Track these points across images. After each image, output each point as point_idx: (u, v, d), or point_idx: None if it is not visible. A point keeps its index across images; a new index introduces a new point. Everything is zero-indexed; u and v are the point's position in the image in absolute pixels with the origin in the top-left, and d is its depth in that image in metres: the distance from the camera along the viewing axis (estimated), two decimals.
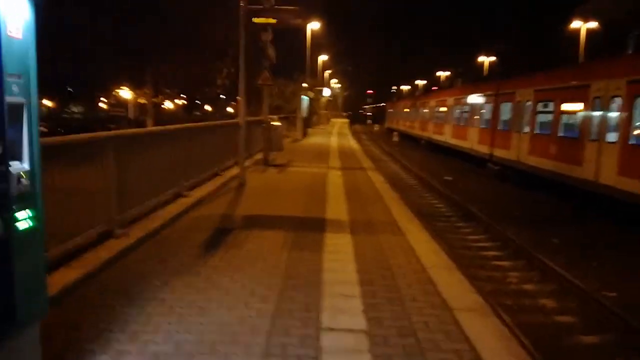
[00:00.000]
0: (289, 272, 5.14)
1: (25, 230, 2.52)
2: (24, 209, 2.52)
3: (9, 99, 2.39)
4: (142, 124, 28.06)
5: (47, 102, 49.15)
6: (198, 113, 51.67)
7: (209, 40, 23.05)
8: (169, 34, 22.58)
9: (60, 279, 4.48)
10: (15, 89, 2.44)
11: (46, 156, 4.73)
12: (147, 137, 7.48)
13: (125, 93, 33.39)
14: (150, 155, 7.29)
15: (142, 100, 31.56)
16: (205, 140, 10.42)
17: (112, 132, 6.09)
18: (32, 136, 2.58)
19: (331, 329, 3.84)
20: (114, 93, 37.14)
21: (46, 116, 41.79)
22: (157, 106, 31.74)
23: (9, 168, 2.42)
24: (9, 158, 2.43)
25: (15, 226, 2.46)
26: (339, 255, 5.75)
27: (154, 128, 9.37)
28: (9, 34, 2.39)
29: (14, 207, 2.45)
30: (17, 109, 2.48)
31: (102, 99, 48.27)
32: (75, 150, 5.42)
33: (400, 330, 3.89)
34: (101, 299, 4.34)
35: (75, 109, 54.64)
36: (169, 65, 24.63)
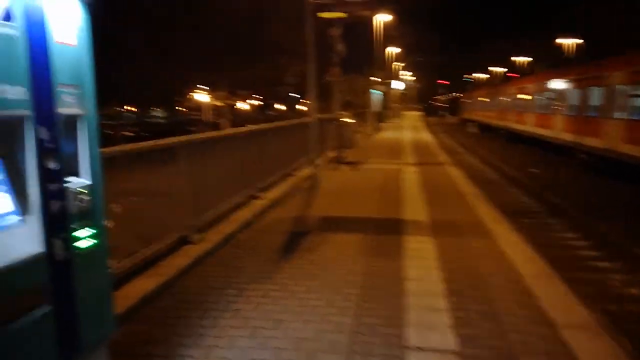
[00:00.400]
0: (367, 280, 4.80)
1: (87, 248, 2.37)
2: (85, 227, 2.37)
3: (63, 110, 2.23)
4: (217, 126, 28.83)
5: (129, 108, 51.85)
6: (271, 112, 52.44)
7: (278, 40, 23.17)
8: (240, 37, 22.97)
9: (137, 289, 4.43)
10: (70, 99, 2.28)
11: (123, 164, 4.84)
12: (220, 141, 7.40)
13: (201, 96, 34.49)
14: (223, 158, 7.22)
15: (217, 103, 32.43)
16: (276, 141, 10.31)
17: (184, 138, 6.02)
18: (91, 149, 2.43)
19: (419, 348, 3.47)
20: (188, 97, 38.49)
21: (133, 121, 44.15)
22: (232, 108, 32.49)
23: (66, 185, 2.26)
24: (66, 174, 2.27)
25: (76, 246, 2.30)
26: (421, 261, 5.33)
27: (225, 131, 9.36)
28: (60, 41, 2.23)
29: (73, 225, 2.29)
30: (73, 121, 2.33)
31: (180, 102, 50.18)
32: (151, 156, 5.39)
33: (497, 351, 3.44)
34: (176, 309, 4.22)
35: (158, 114, 57.25)
36: (242, 67, 25.06)
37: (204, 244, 5.80)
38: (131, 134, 36.20)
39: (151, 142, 5.46)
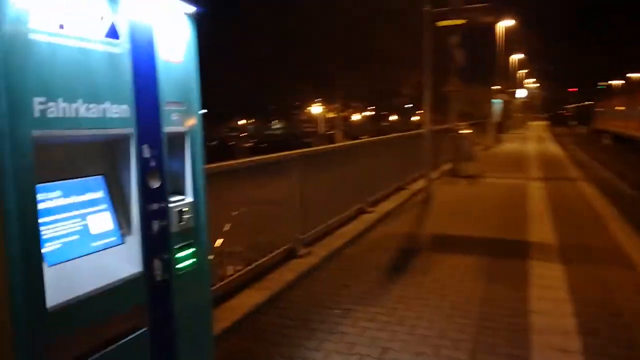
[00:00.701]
0: (485, 310, 4.35)
1: (187, 268, 2.31)
2: (187, 247, 2.31)
3: (168, 129, 2.20)
4: (331, 138, 29.18)
5: (250, 121, 54.52)
6: (385, 123, 52.15)
7: (394, 51, 22.92)
8: (356, 50, 23.11)
9: (244, 302, 4.42)
10: (175, 117, 2.24)
11: (234, 177, 4.93)
12: (331, 154, 7.34)
13: (315, 109, 35.25)
14: (334, 171, 7.13)
15: (330, 115, 32.90)
16: (389, 153, 10.05)
17: (296, 152, 6.02)
18: (195, 166, 2.37)
19: None
20: (305, 110, 39.55)
21: (253, 133, 46.36)
22: (345, 119, 32.79)
23: (169, 204, 2.22)
24: (169, 192, 2.23)
25: (176, 267, 2.25)
26: (549, 291, 4.74)
27: (337, 145, 9.30)
28: (167, 58, 2.20)
29: (175, 245, 2.24)
30: (177, 138, 2.29)
31: (297, 115, 51.80)
32: (266, 169, 5.43)
33: None
34: (280, 327, 4.13)
35: (276, 126, 59.66)
36: (356, 80, 25.17)
37: (310, 258, 5.71)
38: (250, 145, 37.97)
39: (268, 156, 5.51)
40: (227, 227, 4.59)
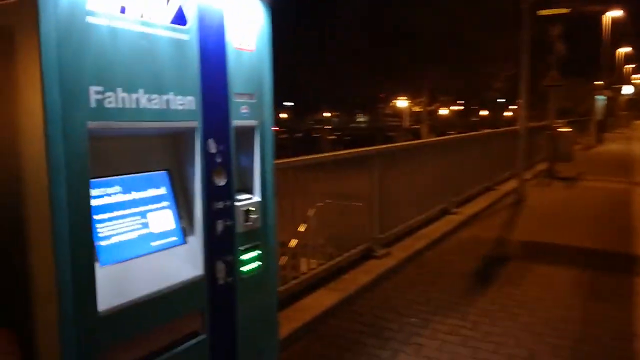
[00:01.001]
0: (583, 331, 3.88)
1: (253, 272, 2.16)
2: (253, 249, 2.16)
3: (237, 122, 2.04)
4: (416, 132, 28.45)
5: (335, 113, 54.63)
6: (474, 119, 50.13)
7: (486, 42, 21.79)
8: (446, 41, 22.26)
9: (316, 303, 4.26)
10: (244, 110, 2.08)
11: (315, 171, 4.76)
12: (413, 150, 6.99)
13: (401, 102, 34.51)
14: (416, 169, 6.79)
15: (416, 109, 32.08)
16: (477, 150, 9.48)
17: (376, 147, 5.78)
18: (264, 163, 2.21)
19: None
20: (391, 104, 38.88)
21: (337, 126, 46.49)
22: (432, 114, 31.83)
23: (235, 202, 2.07)
24: (236, 190, 2.08)
25: (240, 270, 2.10)
26: None
27: (421, 141, 8.88)
28: (238, 46, 2.04)
29: (240, 247, 2.10)
30: (246, 133, 2.13)
31: (382, 109, 51.15)
32: (344, 165, 5.23)
33: None
34: (353, 332, 3.92)
35: (360, 119, 59.36)
36: (445, 72, 24.26)
37: (388, 260, 5.44)
38: (334, 137, 38.03)
39: (338, 153, 5.33)
40: (302, 228, 4.46)
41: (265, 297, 2.27)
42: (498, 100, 36.53)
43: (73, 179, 1.45)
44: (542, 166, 13.20)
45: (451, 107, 48.85)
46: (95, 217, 1.63)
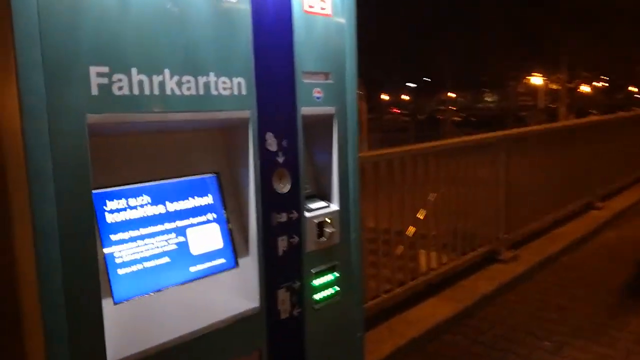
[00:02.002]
0: None
1: (327, 301, 1.69)
2: (327, 272, 1.69)
3: (306, 110, 1.57)
4: (552, 112, 25.87)
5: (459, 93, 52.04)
6: (621, 97, 44.63)
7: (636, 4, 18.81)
8: (587, 3, 19.64)
9: (425, 315, 3.70)
10: (317, 94, 1.60)
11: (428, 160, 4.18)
12: (548, 134, 6.00)
13: (535, 79, 31.58)
14: (551, 157, 5.81)
15: (553, 86, 29.14)
16: (628, 134, 8.04)
17: (502, 132, 5.00)
18: (345, 160, 1.72)
19: None
20: (524, 81, 35.80)
21: (463, 107, 44.25)
22: (571, 91, 28.73)
23: (305, 213, 1.61)
24: (307, 197, 1.62)
25: (312, 298, 1.65)
26: None
27: (555, 125, 7.68)
28: (307, 9, 1.56)
29: (311, 270, 1.64)
30: (321, 123, 1.65)
31: (514, 87, 47.59)
32: (465, 152, 4.54)
33: None
34: (468, 353, 3.33)
35: (489, 99, 56.02)
36: (586, 42, 21.52)
37: (515, 265, 4.68)
38: (459, 119, 36.24)
39: (456, 140, 4.66)
40: (420, 215, 3.92)
41: (345, 330, 1.79)
42: None
43: (67, 191, 1.09)
44: None
45: (593, 84, 43.93)
46: (112, 237, 1.26)
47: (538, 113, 28.90)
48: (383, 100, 45.53)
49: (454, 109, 39.36)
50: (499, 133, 4.99)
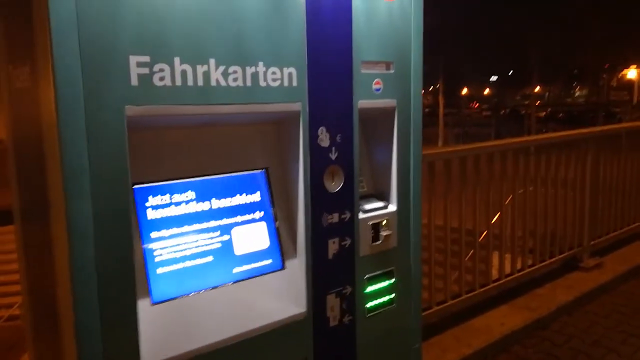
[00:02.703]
0: None
1: (382, 308, 1.58)
2: (384, 277, 1.57)
3: (364, 103, 1.46)
4: None
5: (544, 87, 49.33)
6: None
7: None
8: None
9: (494, 324, 3.46)
10: (377, 86, 1.48)
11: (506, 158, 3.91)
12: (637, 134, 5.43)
13: (631, 72, 29.20)
14: (637, 157, 5.27)
15: None
16: None
17: (590, 129, 4.57)
18: (405, 158, 1.59)
19: None
20: (618, 74, 33.23)
21: (549, 102, 42.02)
22: None
23: (360, 214, 1.50)
24: (362, 196, 1.52)
25: (365, 307, 1.54)
26: None
27: None
28: None
29: (364, 275, 1.53)
30: (380, 118, 1.53)
31: (608, 80, 44.43)
32: (548, 150, 4.22)
33: None
34: None
35: (578, 93, 52.90)
36: None
37: (598, 274, 4.29)
38: (544, 114, 34.48)
39: (537, 137, 4.30)
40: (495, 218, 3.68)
41: (400, 339, 1.67)
42: None
43: (103, 186, 1.04)
44: None
45: None
46: (152, 234, 1.22)
47: (633, 109, 26.73)
48: (464, 94, 44.18)
49: (538, 103, 37.38)
50: (586, 130, 4.59)
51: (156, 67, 1.10)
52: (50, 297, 1.14)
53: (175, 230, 1.26)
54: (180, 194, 1.28)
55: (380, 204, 1.58)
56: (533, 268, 4.03)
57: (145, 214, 1.21)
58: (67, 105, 0.99)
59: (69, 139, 1.00)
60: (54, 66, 0.97)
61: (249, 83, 1.24)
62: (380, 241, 1.55)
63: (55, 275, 1.11)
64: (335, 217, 1.44)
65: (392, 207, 1.59)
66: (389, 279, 1.59)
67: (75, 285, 1.03)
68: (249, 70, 1.24)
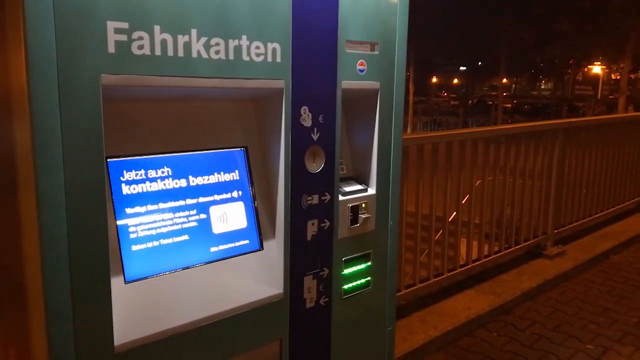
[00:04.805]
0: None
1: (357, 291, 1.57)
2: (361, 260, 1.57)
3: (347, 84, 1.43)
4: (612, 104, 24.58)
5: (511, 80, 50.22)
6: None
7: None
8: None
9: (462, 308, 3.54)
10: (361, 66, 1.45)
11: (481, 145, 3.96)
12: (603, 128, 5.58)
13: (596, 68, 29.98)
14: (608, 150, 5.44)
15: (615, 76, 27.62)
16: None
17: (557, 121, 4.70)
18: (386, 141, 1.57)
19: None
20: (585, 70, 34.04)
21: (516, 94, 42.76)
22: (635, 83, 27.16)
23: (340, 196, 1.48)
24: (342, 178, 1.49)
25: (341, 288, 1.53)
26: None
27: (618, 115, 7.18)
28: None
29: (342, 257, 1.52)
30: (363, 99, 1.51)
31: (572, 76, 45.43)
32: (518, 140, 4.28)
33: None
34: (504, 351, 3.15)
35: (543, 87, 54.07)
36: None
37: (561, 262, 4.43)
38: (509, 106, 35.18)
39: (505, 126, 4.39)
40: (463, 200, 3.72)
41: (375, 322, 1.67)
42: None
43: (76, 158, 0.99)
44: None
45: None
46: (127, 210, 1.17)
47: (596, 104, 27.53)
48: (433, 83, 44.48)
49: (507, 95, 38.02)
50: (554, 122, 4.69)
51: (135, 35, 1.04)
52: (17, 273, 1.09)
53: (150, 207, 1.21)
54: (156, 169, 1.23)
55: (359, 186, 1.56)
56: (499, 254, 4.12)
57: (120, 189, 1.17)
58: (39, 72, 0.93)
59: (40, 107, 0.94)
60: (25, 29, 0.91)
61: (231, 56, 1.19)
62: (358, 224, 1.54)
63: (23, 251, 1.06)
64: (315, 199, 1.42)
65: (372, 191, 1.58)
66: (366, 261, 1.59)
67: (44, 261, 0.97)
68: (232, 43, 1.19)
